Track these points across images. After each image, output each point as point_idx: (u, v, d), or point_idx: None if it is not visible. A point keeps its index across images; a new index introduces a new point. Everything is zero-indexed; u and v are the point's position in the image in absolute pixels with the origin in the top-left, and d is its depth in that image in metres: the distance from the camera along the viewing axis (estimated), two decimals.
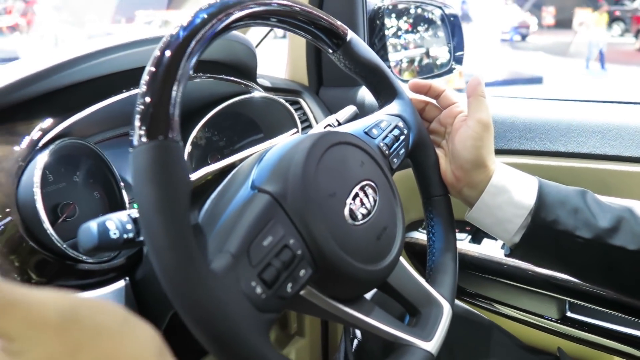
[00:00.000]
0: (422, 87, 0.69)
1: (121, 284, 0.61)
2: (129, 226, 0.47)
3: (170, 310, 0.62)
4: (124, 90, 0.64)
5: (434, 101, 0.71)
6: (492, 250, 0.96)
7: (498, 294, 0.99)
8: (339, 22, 0.60)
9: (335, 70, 1.11)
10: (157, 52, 0.42)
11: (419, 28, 1.36)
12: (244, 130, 0.92)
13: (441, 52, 1.33)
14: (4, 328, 0.28)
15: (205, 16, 0.44)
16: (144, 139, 0.39)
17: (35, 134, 0.57)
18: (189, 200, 0.40)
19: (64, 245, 0.55)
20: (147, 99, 0.40)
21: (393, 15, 1.24)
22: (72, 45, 0.62)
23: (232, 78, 0.82)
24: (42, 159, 0.55)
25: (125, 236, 0.47)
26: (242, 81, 0.85)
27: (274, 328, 1.23)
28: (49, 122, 0.59)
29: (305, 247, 0.47)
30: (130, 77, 0.65)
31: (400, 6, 1.28)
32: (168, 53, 0.41)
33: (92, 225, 0.45)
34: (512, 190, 0.63)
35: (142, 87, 0.40)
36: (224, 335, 0.40)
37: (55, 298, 0.30)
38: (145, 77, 0.41)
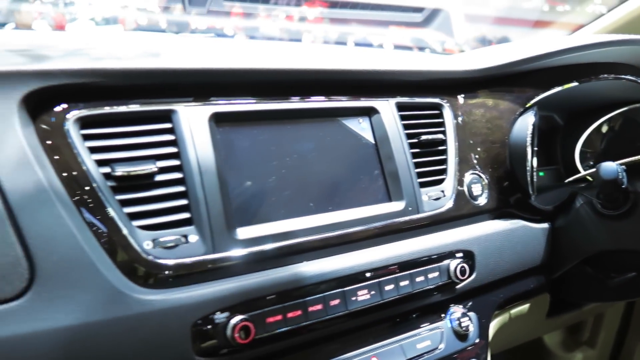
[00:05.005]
0: None
1: (545, 225, 0.78)
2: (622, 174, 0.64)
3: (575, 260, 0.77)
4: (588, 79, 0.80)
5: None
6: None
7: None
8: None
9: None
10: None
11: None
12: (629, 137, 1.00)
13: None
14: None
15: None
16: None
17: (527, 97, 0.78)
18: None
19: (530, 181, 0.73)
20: None
21: None
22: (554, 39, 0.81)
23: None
24: (531, 116, 0.75)
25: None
26: None
27: (562, 331, 1.29)
28: (534, 91, 0.78)
29: None
30: (593, 69, 0.81)
31: None
32: None
33: (613, 164, 0.63)
34: None
35: None
36: None
37: None
38: None
